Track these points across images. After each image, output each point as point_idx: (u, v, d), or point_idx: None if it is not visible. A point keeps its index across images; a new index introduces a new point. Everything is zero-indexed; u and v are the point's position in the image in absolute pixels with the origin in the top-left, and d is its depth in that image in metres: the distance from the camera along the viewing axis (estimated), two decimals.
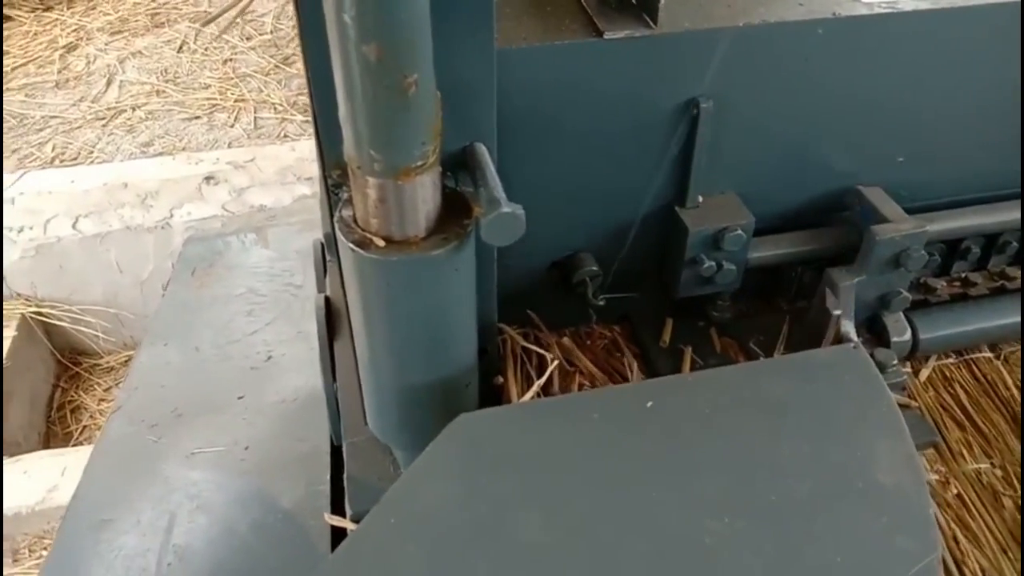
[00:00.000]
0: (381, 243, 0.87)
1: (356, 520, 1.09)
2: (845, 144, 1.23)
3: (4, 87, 3.99)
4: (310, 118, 1.72)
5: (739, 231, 1.16)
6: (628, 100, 1.08)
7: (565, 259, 1.22)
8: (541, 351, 1.19)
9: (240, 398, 1.91)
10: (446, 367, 0.98)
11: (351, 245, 0.87)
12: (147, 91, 4.06)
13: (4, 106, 3.87)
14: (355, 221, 0.90)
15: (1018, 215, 1.31)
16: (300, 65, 4.32)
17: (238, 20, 4.00)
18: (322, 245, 1.61)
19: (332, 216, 0.95)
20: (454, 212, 0.91)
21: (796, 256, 1.24)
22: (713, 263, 1.17)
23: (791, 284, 1.32)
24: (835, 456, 0.86)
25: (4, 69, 4.11)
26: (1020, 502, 1.18)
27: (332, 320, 1.41)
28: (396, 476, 1.13)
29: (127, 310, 3.61)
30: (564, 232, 1.20)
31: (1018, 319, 1.30)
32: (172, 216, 3.57)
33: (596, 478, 0.84)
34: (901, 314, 1.24)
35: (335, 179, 0.94)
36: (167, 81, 4.11)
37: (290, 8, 4.57)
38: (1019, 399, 1.29)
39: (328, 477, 1.67)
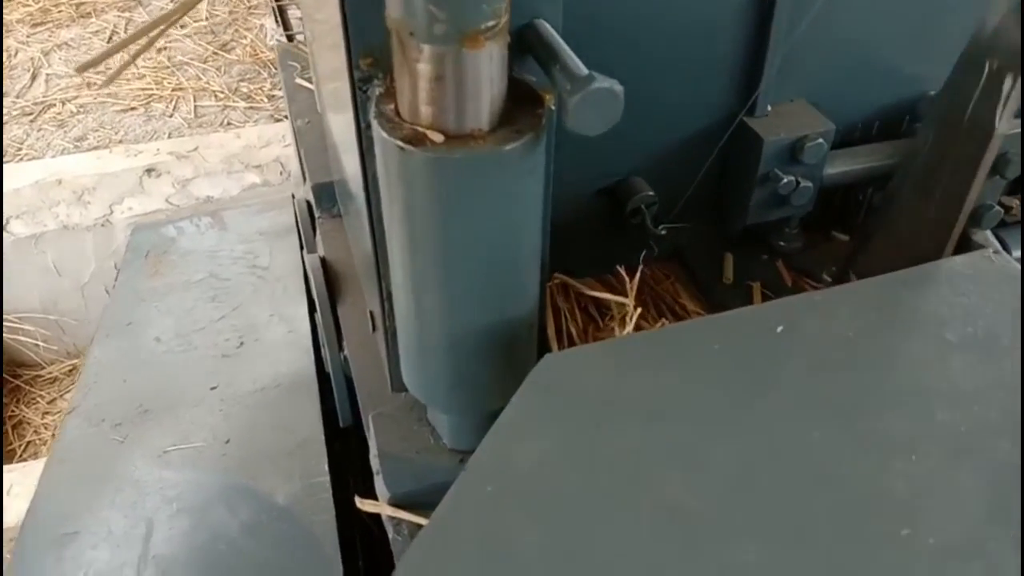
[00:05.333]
0: (439, 137, 0.66)
1: (396, 504, 0.87)
2: (921, 44, 1.06)
3: None
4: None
5: (820, 140, 0.97)
6: None
7: (614, 185, 1.02)
8: (612, 296, 0.98)
9: (213, 389, 1.66)
10: (510, 303, 0.77)
11: (398, 142, 0.66)
12: (77, 84, 3.74)
13: None
14: (398, 115, 0.68)
15: None
16: (239, 51, 4.05)
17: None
18: (308, 204, 1.38)
19: (358, 121, 0.74)
20: (519, 104, 0.70)
21: (874, 172, 1.07)
22: (792, 178, 0.99)
23: (859, 208, 1.14)
24: (1016, 375, 0.68)
25: None
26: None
27: (332, 282, 1.19)
28: (439, 448, 0.92)
29: (68, 316, 3.30)
30: (614, 153, 1.00)
31: None
32: (112, 212, 3.28)
33: (736, 421, 0.64)
34: (990, 232, 1.08)
35: (364, 71, 0.73)
36: (98, 73, 3.79)
37: None
38: None
39: (326, 467, 1.44)
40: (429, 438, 0.93)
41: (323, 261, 1.17)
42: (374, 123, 0.69)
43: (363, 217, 0.83)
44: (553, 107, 0.71)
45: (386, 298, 0.84)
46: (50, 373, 3.27)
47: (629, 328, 0.88)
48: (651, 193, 0.99)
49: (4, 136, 3.48)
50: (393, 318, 0.83)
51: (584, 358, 0.69)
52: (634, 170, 1.02)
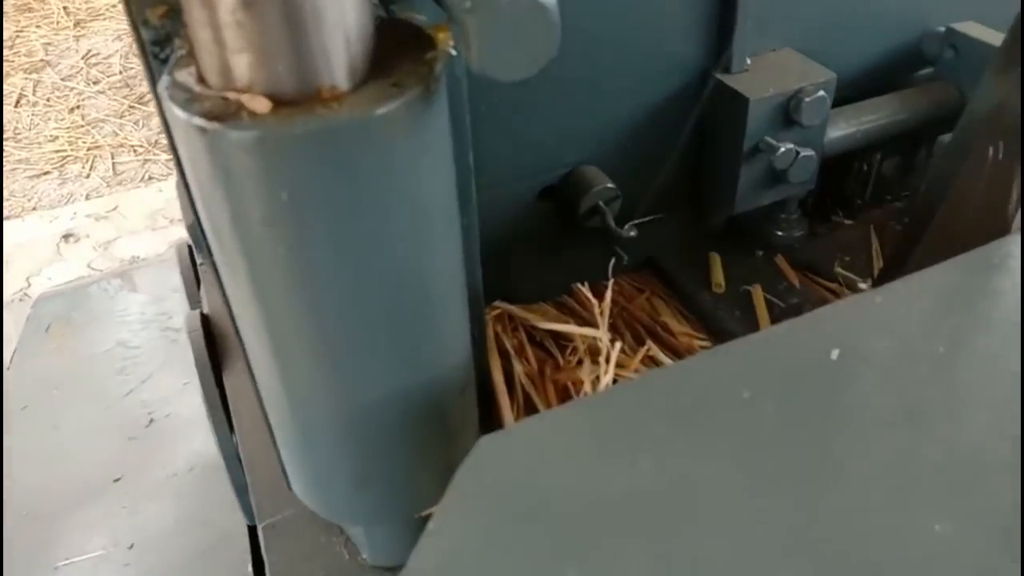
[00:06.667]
0: (263, 105, 0.39)
1: None
2: None
3: None
4: None
5: (820, 92, 0.72)
6: None
7: (562, 180, 0.76)
8: (576, 328, 0.71)
9: (117, 480, 1.36)
10: (425, 355, 0.50)
11: (196, 120, 0.38)
12: None
13: None
14: (203, 81, 0.41)
15: None
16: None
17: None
18: (189, 247, 1.10)
19: (160, 105, 0.46)
20: (398, 51, 0.44)
21: (885, 132, 0.81)
22: (789, 147, 0.73)
23: (864, 182, 0.89)
24: None
25: None
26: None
27: (216, 345, 0.91)
28: (358, 567, 0.64)
29: None
30: (556, 137, 0.73)
31: None
32: (30, 285, 2.96)
33: (802, 529, 0.37)
34: None
35: (156, 27, 0.45)
36: (7, 139, 3.47)
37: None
38: None
39: (250, 568, 1.15)
40: (343, 553, 0.64)
41: (205, 319, 0.89)
42: (164, 97, 0.41)
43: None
44: (453, 49, 0.44)
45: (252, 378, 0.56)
46: None
47: (608, 376, 0.62)
48: (611, 185, 0.73)
49: None
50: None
51: (539, 436, 0.42)
52: (585, 158, 0.75)
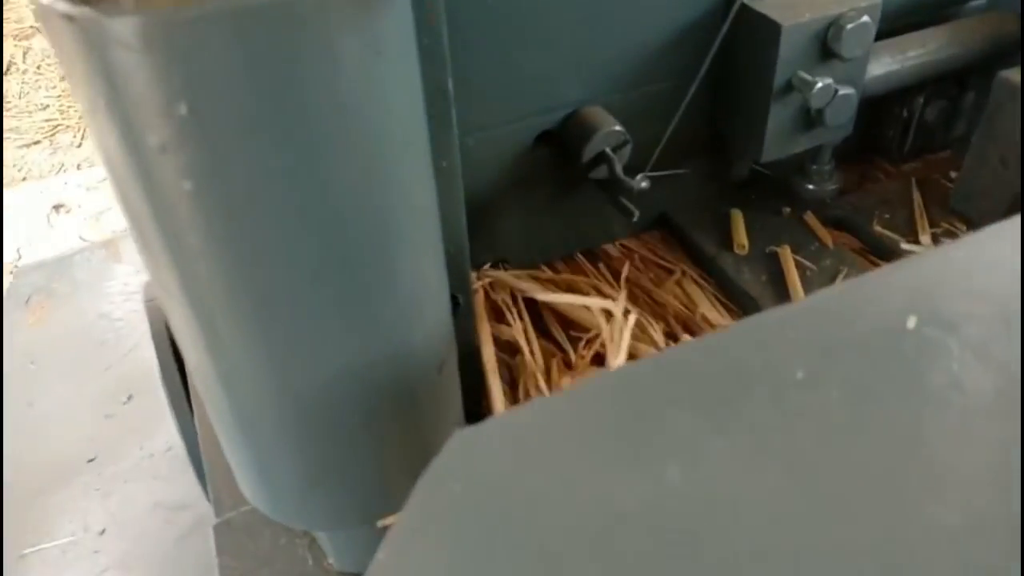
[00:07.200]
0: None
1: None
2: None
3: None
4: None
5: (864, 18, 0.61)
6: None
7: (562, 124, 0.65)
8: (581, 298, 0.60)
9: (91, 461, 1.27)
10: (387, 327, 0.39)
11: (64, 6, 0.28)
12: None
13: None
14: None
15: None
16: None
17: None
18: None
19: None
20: None
21: (931, 69, 0.70)
22: (827, 82, 0.62)
23: (906, 128, 0.78)
24: None
25: None
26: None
27: None
28: (322, 573, 0.54)
29: None
30: (559, 71, 0.62)
31: None
32: (21, 257, 2.87)
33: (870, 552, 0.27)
34: None
35: None
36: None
37: None
38: None
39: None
40: (306, 557, 0.55)
41: None
42: None
43: None
44: None
45: None
46: None
47: (620, 355, 0.51)
48: (619, 128, 0.62)
49: None
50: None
51: (530, 430, 0.32)
52: (590, 96, 0.64)
